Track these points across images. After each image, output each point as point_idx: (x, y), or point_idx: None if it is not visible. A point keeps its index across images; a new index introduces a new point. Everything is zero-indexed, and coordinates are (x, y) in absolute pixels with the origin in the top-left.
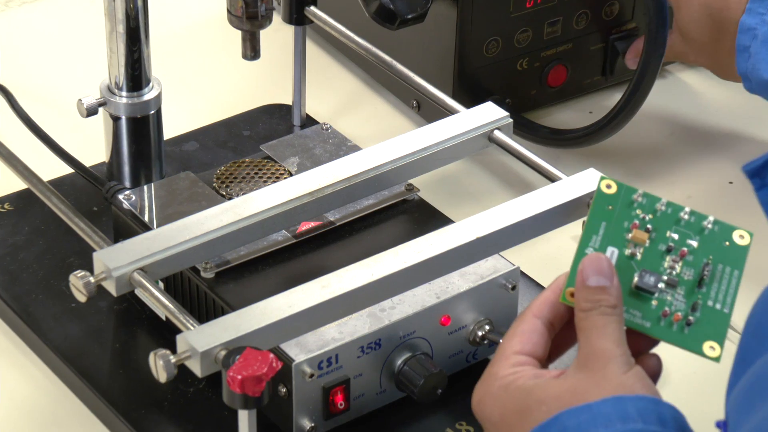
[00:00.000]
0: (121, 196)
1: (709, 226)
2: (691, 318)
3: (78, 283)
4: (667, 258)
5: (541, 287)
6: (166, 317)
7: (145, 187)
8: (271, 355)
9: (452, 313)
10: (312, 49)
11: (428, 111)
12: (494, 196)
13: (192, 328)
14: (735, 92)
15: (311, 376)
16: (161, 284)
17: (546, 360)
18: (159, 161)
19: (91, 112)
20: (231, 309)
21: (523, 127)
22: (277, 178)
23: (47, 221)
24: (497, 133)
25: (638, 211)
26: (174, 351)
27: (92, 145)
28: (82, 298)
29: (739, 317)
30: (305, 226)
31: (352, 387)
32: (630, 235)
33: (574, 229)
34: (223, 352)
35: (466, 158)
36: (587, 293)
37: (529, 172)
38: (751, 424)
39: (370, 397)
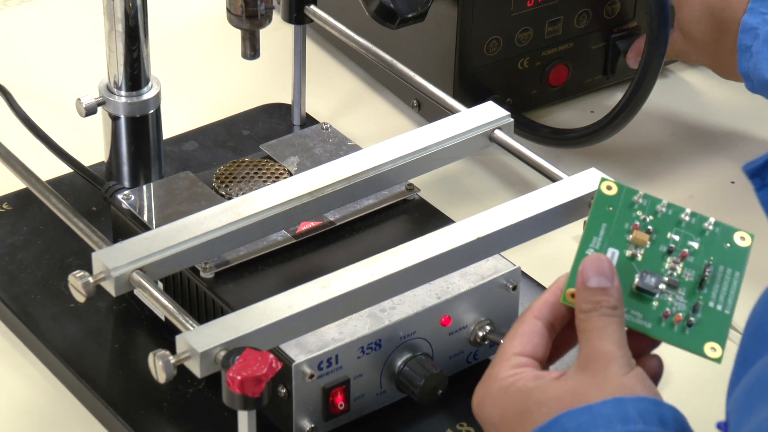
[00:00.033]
0: (120, 196)
1: (710, 227)
2: (692, 319)
3: (77, 284)
4: (668, 259)
5: (542, 287)
6: (166, 318)
7: (144, 186)
8: (271, 356)
9: (453, 314)
10: (312, 49)
11: (429, 110)
12: (495, 196)
13: (191, 328)
14: (737, 92)
15: (311, 376)
16: (160, 284)
17: (546, 361)
18: (158, 161)
19: (90, 111)
20: (230, 309)
21: (524, 127)
22: (277, 177)
23: (46, 221)
24: (498, 133)
25: (639, 213)
26: (173, 351)
27: (91, 144)
28: (81, 298)
29: (741, 318)
30: (305, 226)
31: (352, 388)
32: (631, 236)
33: (576, 229)
34: (223, 353)
35: (467, 158)
36: (588, 294)
37: (530, 172)
38: (752, 425)
39: (371, 398)
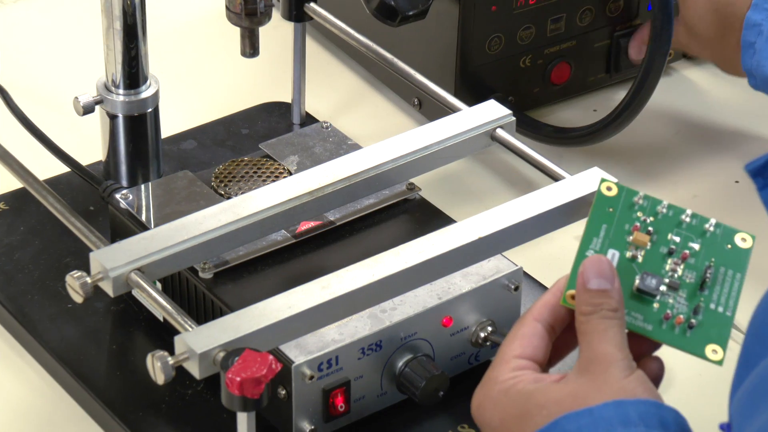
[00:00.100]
0: (118, 196)
1: (711, 228)
2: (693, 321)
3: (74, 284)
4: (669, 261)
5: (545, 288)
6: (164, 318)
7: (143, 186)
8: (271, 357)
9: (454, 314)
10: (312, 47)
11: (430, 109)
12: (497, 196)
13: (190, 329)
14: (741, 90)
15: (311, 377)
16: (159, 285)
17: (547, 364)
18: (156, 160)
19: (88, 110)
20: (230, 310)
21: (526, 126)
22: (277, 177)
23: (43, 221)
24: (500, 132)
25: (639, 214)
26: (172, 352)
27: (89, 143)
28: (78, 298)
29: (744, 319)
30: (305, 226)
31: (352, 389)
32: (631, 237)
33: (578, 228)
34: (222, 354)
35: (468, 157)
36: (588, 296)
37: (532, 171)
38: (755, 427)
39: (371, 400)
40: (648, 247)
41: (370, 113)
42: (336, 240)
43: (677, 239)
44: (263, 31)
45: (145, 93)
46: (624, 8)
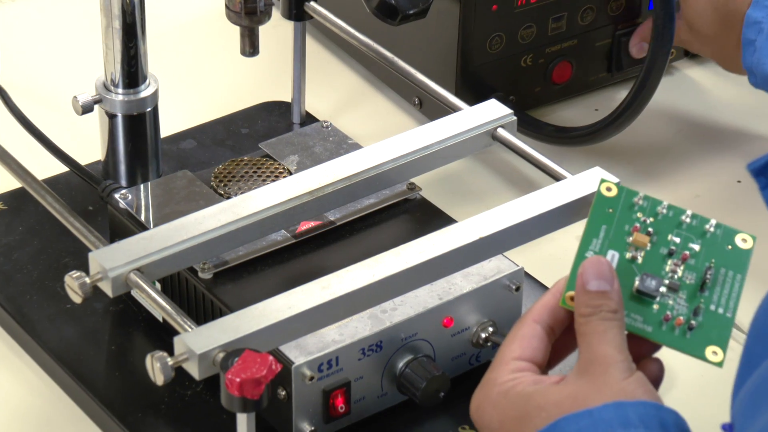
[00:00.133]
0: (117, 195)
1: (711, 229)
2: (693, 322)
3: (73, 284)
4: (669, 262)
5: (546, 288)
6: (163, 319)
7: (142, 186)
8: (271, 358)
9: (455, 315)
10: (312, 46)
11: (430, 108)
12: (498, 195)
13: (189, 329)
14: (743, 89)
15: (311, 378)
16: (158, 285)
17: (546, 366)
18: (156, 160)
19: (87, 109)
20: (229, 310)
21: (528, 125)
22: (276, 176)
23: (42, 221)
24: (501, 131)
25: (639, 215)
26: (171, 353)
27: (88, 143)
28: (77, 299)
29: (746, 320)
30: (305, 226)
31: (352, 390)
32: (631, 238)
33: (579, 228)
34: (222, 354)
35: (469, 157)
36: (587, 298)
37: (533, 171)
38: (757, 427)
39: (371, 401)
40: (648, 248)
41: (371, 113)
42: (336, 240)
43: (677, 240)
44: (263, 30)
45: (145, 92)
46: (626, 7)
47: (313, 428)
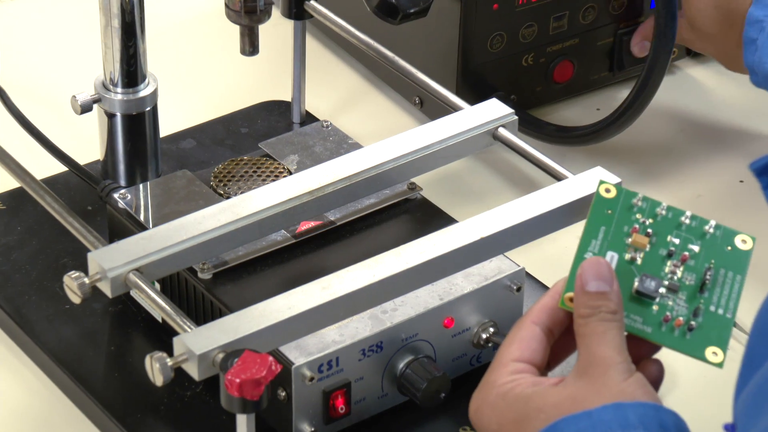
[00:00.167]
0: (116, 195)
1: (711, 230)
2: (693, 323)
3: (72, 284)
4: (668, 263)
5: (547, 289)
6: (163, 319)
7: (141, 185)
8: (270, 358)
9: (456, 315)
10: (312, 45)
11: (431, 108)
12: (499, 195)
13: (189, 330)
14: (746, 88)
15: (311, 379)
16: (157, 285)
17: (545, 367)
18: (155, 159)
19: (86, 108)
20: (229, 311)
21: (529, 125)
22: (276, 176)
23: (40, 221)
24: (502, 131)
25: (638, 216)
26: (170, 354)
27: (86, 142)
28: (76, 299)
29: (748, 320)
30: (305, 226)
31: (353, 391)
32: (630, 239)
33: (581, 229)
34: (221, 355)
35: (470, 156)
36: (587, 299)
37: (534, 171)
38: (760, 427)
39: (372, 401)
40: (647, 249)
41: (371, 112)
42: (336, 240)
43: (677, 241)
44: (263, 29)
45: (144, 91)
46: (627, 6)
47: (313, 429)
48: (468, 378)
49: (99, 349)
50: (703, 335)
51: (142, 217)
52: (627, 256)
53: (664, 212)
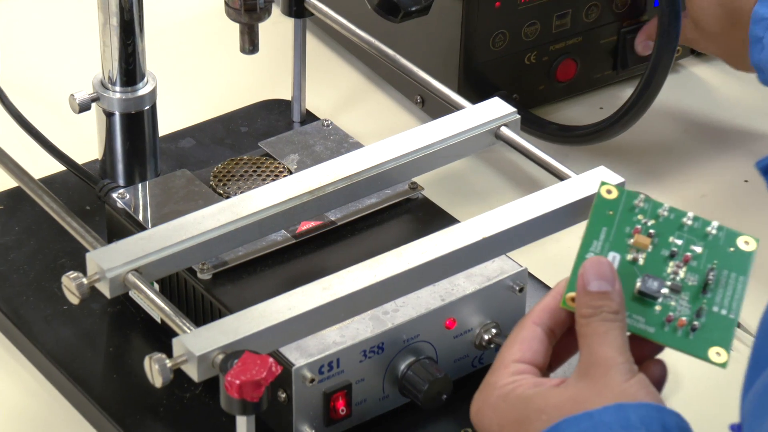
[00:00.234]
0: (114, 195)
1: (713, 231)
2: (696, 323)
3: (70, 285)
4: (671, 263)
5: (550, 289)
6: (162, 320)
7: (140, 185)
8: (271, 359)
9: (457, 316)
10: (312, 43)
11: (433, 107)
12: (501, 195)
13: (188, 331)
14: (750, 87)
15: (312, 380)
16: (156, 286)
17: (547, 368)
18: (154, 158)
19: (84, 107)
20: (229, 311)
21: (531, 124)
22: (276, 176)
23: (38, 220)
24: (504, 130)
25: (640, 216)
26: (170, 355)
27: (85, 141)
28: (74, 300)
29: (753, 320)
30: (305, 226)
31: (353, 392)
32: (632, 240)
33: (583, 229)
34: (221, 356)
35: (472, 156)
36: (588, 299)
37: (537, 170)
38: (766, 427)
39: (373, 403)
40: (649, 250)
41: (372, 111)
42: (337, 240)
43: (679, 242)
44: (263, 28)
45: (143, 90)
46: (631, 4)
47: (313, 431)
48: (470, 379)
49: (97, 350)
50: (706, 335)
51: (141, 217)
52: (629, 257)
53: (666, 213)
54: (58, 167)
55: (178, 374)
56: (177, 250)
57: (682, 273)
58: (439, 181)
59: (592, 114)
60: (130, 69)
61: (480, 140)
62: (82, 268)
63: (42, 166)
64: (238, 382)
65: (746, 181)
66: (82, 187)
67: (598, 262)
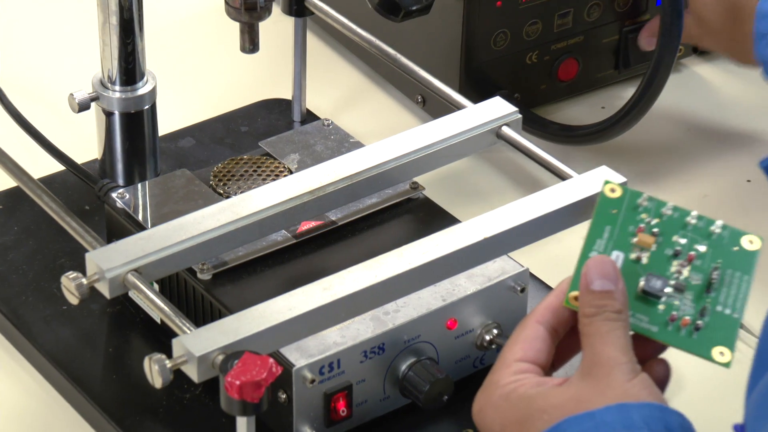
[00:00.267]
0: (114, 195)
1: (717, 230)
2: (699, 323)
3: (70, 285)
4: (674, 262)
5: (552, 290)
6: (162, 320)
7: (140, 185)
8: (271, 360)
9: (459, 317)
10: (313, 42)
11: (434, 106)
12: (502, 195)
13: (188, 331)
14: (753, 87)
15: (312, 381)
16: (156, 286)
17: (550, 368)
18: (153, 158)
19: (83, 107)
20: (229, 312)
21: (533, 123)
22: (277, 175)
23: (38, 220)
24: (505, 130)
25: (644, 215)
26: (169, 355)
27: (84, 141)
28: (74, 300)
29: (757, 321)
30: (306, 226)
31: (354, 393)
32: (635, 239)
33: (586, 229)
34: (221, 357)
35: (474, 155)
36: (591, 298)
37: (538, 170)
38: None
39: (374, 404)
40: (653, 249)
41: (373, 110)
42: (338, 240)
43: (683, 241)
44: (263, 27)
45: (142, 89)
46: (633, 3)
47: None
48: (471, 380)
49: (97, 350)
50: (709, 335)
51: (140, 217)
52: (632, 256)
53: (669, 212)
54: (58, 167)
55: (178, 375)
56: (177, 250)
57: (685, 272)
58: (440, 180)
59: (594, 113)
60: (130, 68)
61: (481, 140)
62: (81, 269)
63: (41, 165)
64: (238, 382)
65: (749, 180)
66: (81, 187)
67: (602, 261)
